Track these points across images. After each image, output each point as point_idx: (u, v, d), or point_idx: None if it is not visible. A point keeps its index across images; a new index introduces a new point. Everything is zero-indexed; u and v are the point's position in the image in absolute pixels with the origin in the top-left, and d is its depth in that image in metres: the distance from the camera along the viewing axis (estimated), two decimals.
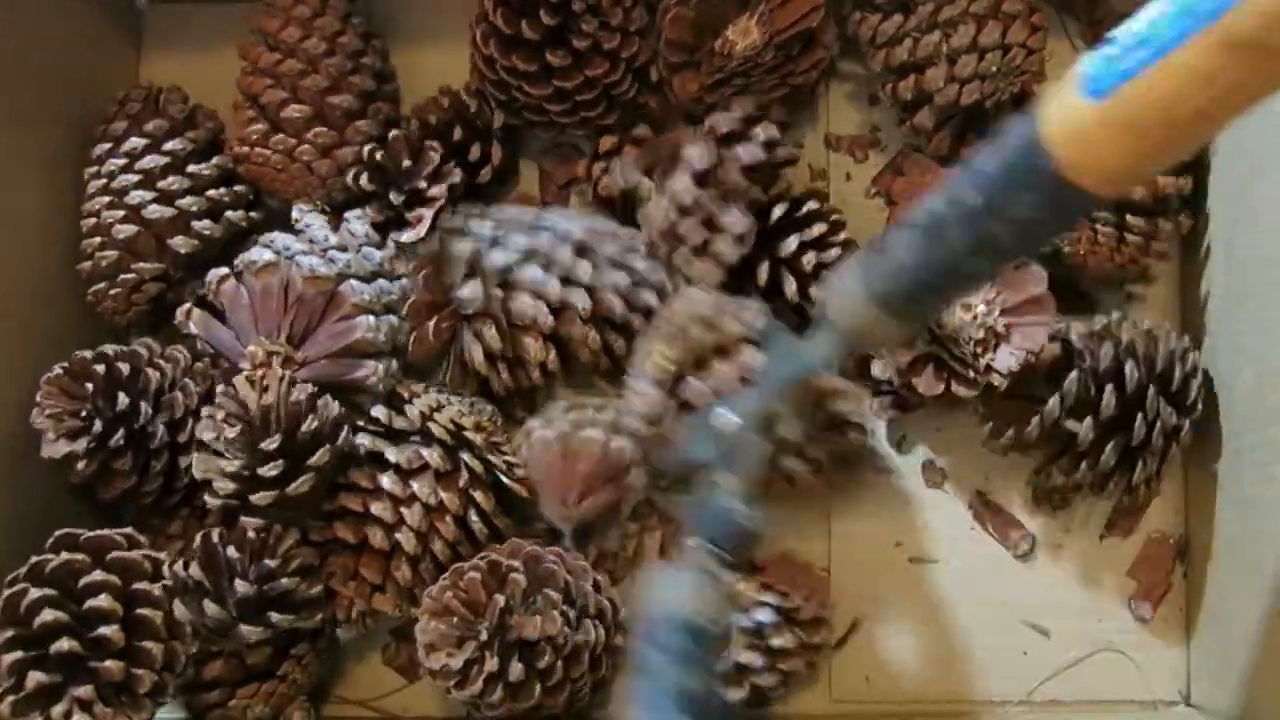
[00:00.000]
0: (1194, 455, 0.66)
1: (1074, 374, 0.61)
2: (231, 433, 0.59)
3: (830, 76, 0.72)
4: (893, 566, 0.69)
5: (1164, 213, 0.65)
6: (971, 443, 0.67)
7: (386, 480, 0.62)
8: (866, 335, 0.49)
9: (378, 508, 0.62)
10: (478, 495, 0.62)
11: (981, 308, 0.62)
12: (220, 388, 0.61)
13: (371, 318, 0.64)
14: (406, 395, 0.65)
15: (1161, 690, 0.67)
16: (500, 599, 0.58)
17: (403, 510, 0.62)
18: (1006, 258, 0.46)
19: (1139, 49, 0.38)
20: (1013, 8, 0.64)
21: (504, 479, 0.63)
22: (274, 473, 0.59)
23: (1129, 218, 0.64)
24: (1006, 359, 0.62)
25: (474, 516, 0.62)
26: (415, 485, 0.62)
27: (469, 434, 0.63)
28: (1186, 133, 0.39)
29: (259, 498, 0.59)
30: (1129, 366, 0.61)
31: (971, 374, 0.63)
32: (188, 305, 0.65)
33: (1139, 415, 0.61)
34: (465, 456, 0.62)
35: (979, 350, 0.62)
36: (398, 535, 0.62)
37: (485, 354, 0.64)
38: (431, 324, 0.65)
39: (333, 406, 0.61)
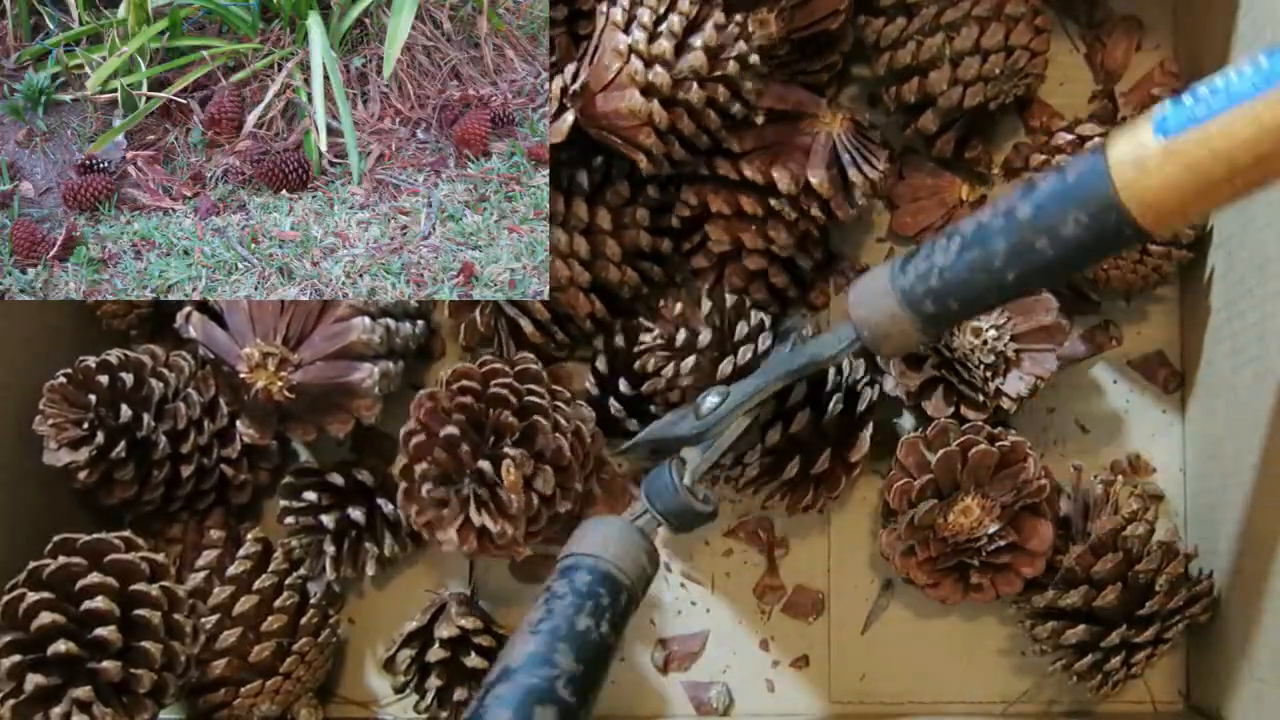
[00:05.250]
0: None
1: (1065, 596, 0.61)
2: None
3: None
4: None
5: None
6: None
7: None
8: (883, 335, 0.51)
9: None
10: None
11: (991, 332, 0.62)
12: None
13: (367, 319, 0.63)
14: None
15: (1161, 690, 0.67)
16: None
17: None
18: (1039, 277, 0.47)
19: (1212, 98, 0.41)
20: (1016, 10, 0.63)
21: None
22: None
23: None
24: (1016, 384, 0.63)
25: None
26: None
27: None
28: (1243, 176, 0.41)
29: None
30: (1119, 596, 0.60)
31: (981, 398, 0.63)
32: (187, 309, 0.65)
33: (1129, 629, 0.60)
34: None
35: (989, 375, 0.63)
36: None
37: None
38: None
39: None
